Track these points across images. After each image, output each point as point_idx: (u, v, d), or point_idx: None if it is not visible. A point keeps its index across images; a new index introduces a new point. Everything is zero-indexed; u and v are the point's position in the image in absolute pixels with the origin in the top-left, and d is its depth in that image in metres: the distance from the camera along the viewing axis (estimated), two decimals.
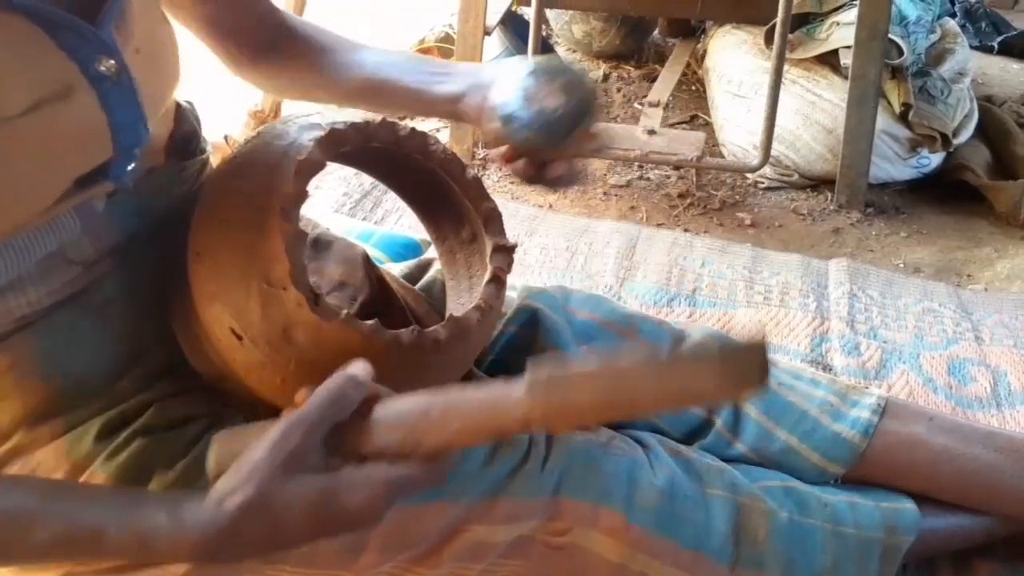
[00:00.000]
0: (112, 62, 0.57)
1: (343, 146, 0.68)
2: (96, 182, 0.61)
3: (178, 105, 0.74)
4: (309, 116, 0.71)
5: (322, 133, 0.66)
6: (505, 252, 0.72)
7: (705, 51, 2.17)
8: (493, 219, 0.73)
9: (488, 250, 0.73)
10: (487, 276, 0.71)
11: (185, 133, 0.74)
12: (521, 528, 0.71)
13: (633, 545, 0.73)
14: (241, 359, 0.65)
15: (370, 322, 0.63)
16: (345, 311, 0.63)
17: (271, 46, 0.81)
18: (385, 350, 0.63)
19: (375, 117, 0.70)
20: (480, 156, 1.90)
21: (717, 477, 0.78)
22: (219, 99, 1.83)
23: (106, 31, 0.57)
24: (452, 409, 0.54)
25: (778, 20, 1.58)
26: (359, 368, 0.56)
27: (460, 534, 0.70)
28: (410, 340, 0.64)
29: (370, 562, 0.69)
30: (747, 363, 0.48)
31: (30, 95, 0.53)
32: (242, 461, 0.52)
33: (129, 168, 0.63)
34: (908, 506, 0.85)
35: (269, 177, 0.64)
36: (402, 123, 0.71)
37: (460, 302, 0.77)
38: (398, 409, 0.55)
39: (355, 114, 0.73)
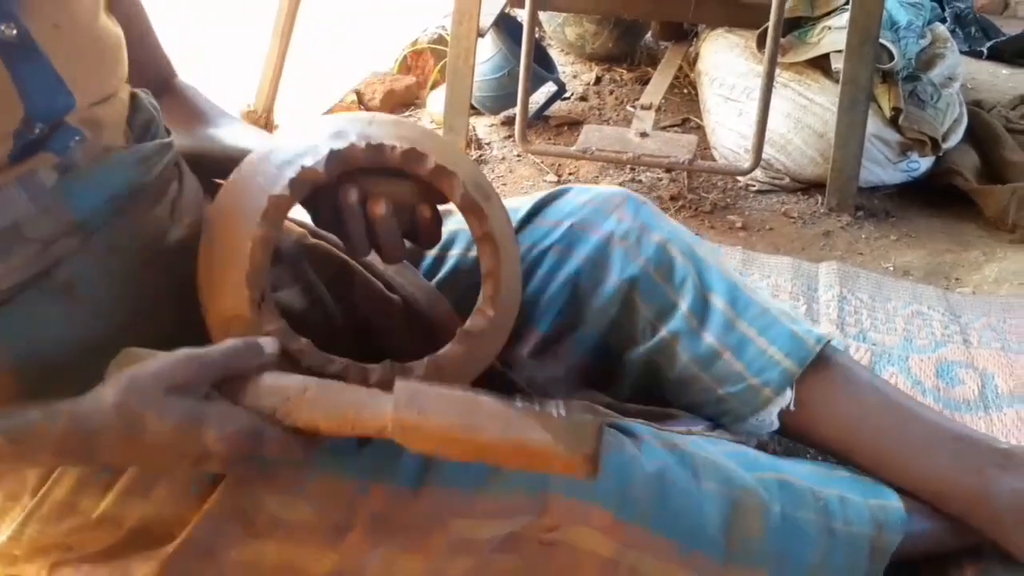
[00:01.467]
0: (14, 31, 0.63)
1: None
2: (33, 152, 0.65)
3: (134, 94, 0.78)
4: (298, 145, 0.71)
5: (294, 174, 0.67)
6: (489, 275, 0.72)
7: (697, 54, 2.18)
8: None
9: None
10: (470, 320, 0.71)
11: (143, 120, 0.77)
12: (510, 524, 0.71)
13: (623, 540, 0.73)
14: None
15: (303, 340, 0.67)
16: (282, 324, 0.67)
17: (158, 94, 0.85)
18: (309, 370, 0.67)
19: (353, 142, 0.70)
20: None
21: (712, 470, 0.79)
22: (213, 98, 1.83)
23: (8, 2, 0.63)
24: (325, 397, 0.60)
25: (770, 24, 1.60)
26: (268, 342, 0.63)
27: (446, 525, 0.70)
28: (334, 373, 0.67)
29: (357, 542, 0.69)
30: (584, 436, 0.56)
31: None
32: (134, 371, 0.59)
33: (73, 142, 0.67)
34: (895, 504, 0.86)
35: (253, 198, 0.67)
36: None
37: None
38: (283, 382, 0.61)
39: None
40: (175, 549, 0.68)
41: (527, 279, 0.92)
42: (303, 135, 0.71)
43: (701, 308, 0.90)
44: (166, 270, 0.74)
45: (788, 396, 0.89)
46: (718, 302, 0.90)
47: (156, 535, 0.69)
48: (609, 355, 0.94)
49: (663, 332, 0.90)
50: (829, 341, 0.91)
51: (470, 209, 0.69)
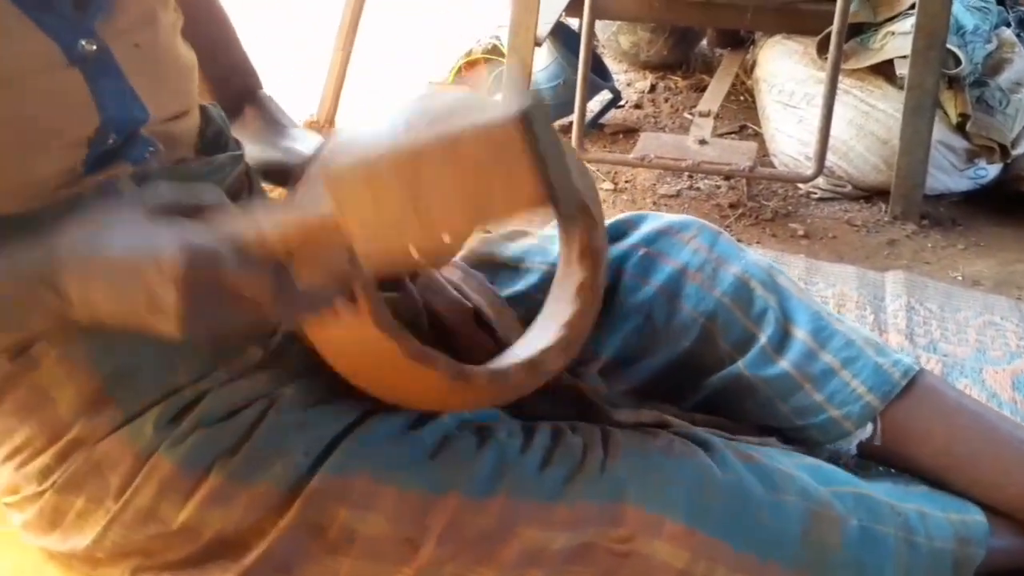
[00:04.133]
0: (94, 46, 0.66)
1: None
2: (111, 162, 0.67)
3: (204, 108, 0.81)
4: None
5: None
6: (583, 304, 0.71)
7: (755, 61, 2.16)
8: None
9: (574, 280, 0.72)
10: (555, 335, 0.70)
11: (213, 132, 0.80)
12: (583, 535, 0.71)
13: (697, 551, 0.72)
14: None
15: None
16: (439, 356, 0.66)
17: (235, 110, 0.87)
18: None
19: None
20: None
21: (788, 482, 0.77)
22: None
23: (91, 18, 0.66)
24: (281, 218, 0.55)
25: (833, 29, 1.57)
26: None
27: (518, 537, 0.70)
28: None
29: (429, 556, 0.69)
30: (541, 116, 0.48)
31: (9, 66, 0.61)
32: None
33: (148, 152, 0.69)
34: (978, 518, 0.84)
35: None
36: None
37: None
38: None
39: None
40: (252, 562, 0.69)
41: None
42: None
43: (781, 339, 0.89)
44: None
45: (868, 430, 0.88)
46: (799, 333, 0.88)
47: (234, 546, 0.70)
48: (680, 378, 0.93)
49: (740, 363, 0.89)
50: (918, 372, 0.88)
51: (580, 221, 0.68)
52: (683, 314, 0.90)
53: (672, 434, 0.79)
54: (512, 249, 0.93)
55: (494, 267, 0.92)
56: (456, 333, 0.81)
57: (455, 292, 0.83)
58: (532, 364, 0.70)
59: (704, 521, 0.73)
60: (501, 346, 0.77)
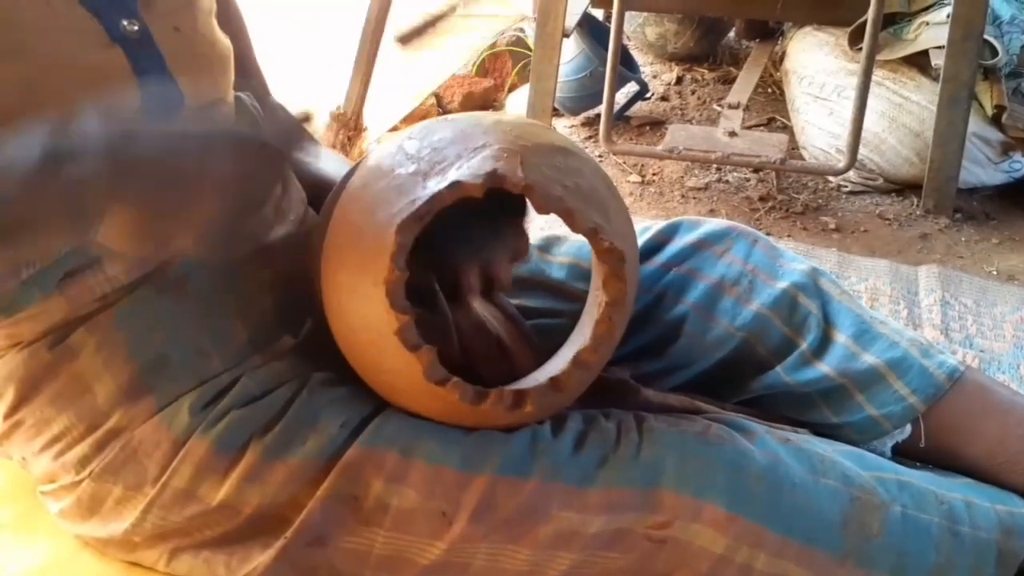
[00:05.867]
0: (135, 27, 0.67)
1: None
2: None
3: (238, 97, 0.81)
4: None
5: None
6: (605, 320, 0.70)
7: (784, 53, 2.13)
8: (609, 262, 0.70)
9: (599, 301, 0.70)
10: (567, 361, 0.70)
11: (247, 122, 0.80)
12: (619, 520, 0.70)
13: (736, 536, 0.71)
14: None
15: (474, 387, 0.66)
16: (453, 379, 0.66)
17: None
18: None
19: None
20: None
21: (829, 466, 0.76)
22: (301, 101, 1.87)
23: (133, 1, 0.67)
24: None
25: (868, 19, 1.55)
26: None
27: (551, 519, 0.69)
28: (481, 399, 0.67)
29: (462, 532, 0.69)
30: None
31: (53, 41, 0.62)
32: None
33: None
34: (1023, 510, 0.82)
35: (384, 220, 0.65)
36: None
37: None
38: None
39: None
40: (291, 535, 0.69)
41: (632, 322, 0.90)
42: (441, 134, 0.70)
43: (821, 345, 0.87)
44: (269, 264, 0.76)
45: (907, 431, 0.86)
46: (841, 338, 0.87)
47: (273, 520, 0.70)
48: (717, 384, 0.91)
49: (779, 369, 0.88)
50: (964, 372, 0.86)
51: (607, 261, 0.68)
52: (719, 329, 0.88)
53: (708, 419, 0.78)
54: (556, 271, 0.92)
55: (542, 289, 0.91)
56: (478, 358, 0.80)
57: (480, 317, 0.82)
58: (551, 384, 0.69)
59: (746, 506, 0.71)
60: (517, 376, 0.76)
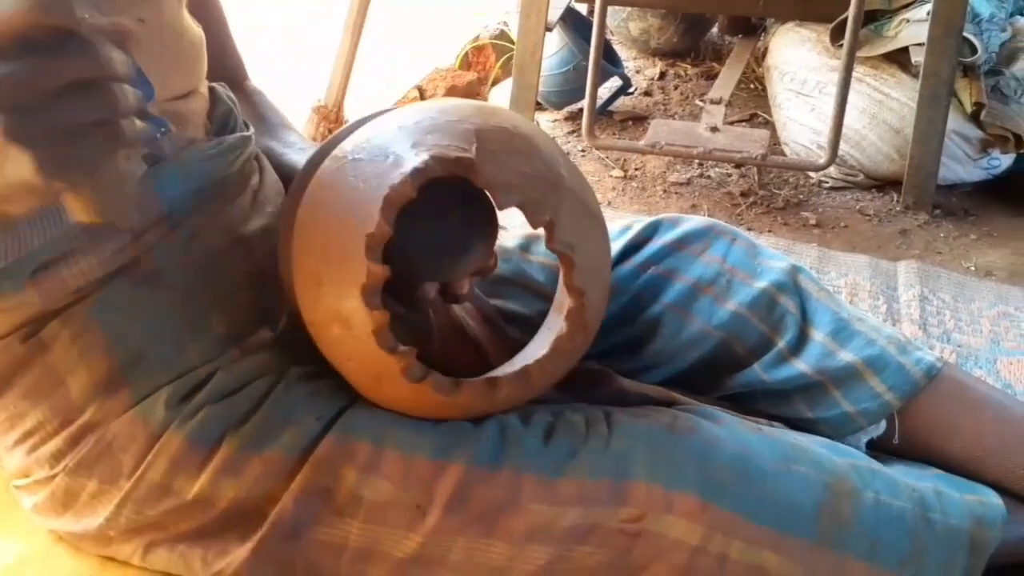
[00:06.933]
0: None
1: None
2: None
3: (212, 88, 0.79)
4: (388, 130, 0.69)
5: (418, 163, 0.63)
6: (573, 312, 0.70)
7: (766, 49, 2.14)
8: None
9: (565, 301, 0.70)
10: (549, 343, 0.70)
11: (222, 112, 0.79)
12: (592, 513, 0.70)
13: (711, 526, 0.71)
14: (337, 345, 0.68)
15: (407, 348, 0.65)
16: (431, 374, 0.66)
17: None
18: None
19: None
20: None
21: (801, 454, 0.76)
22: (282, 94, 1.85)
23: None
24: None
25: (850, 16, 1.56)
26: None
27: (524, 512, 0.69)
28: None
29: (437, 524, 0.68)
30: None
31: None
32: None
33: (160, 133, 0.67)
34: (995, 501, 0.83)
35: (358, 207, 0.64)
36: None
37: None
38: None
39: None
40: (266, 529, 0.69)
41: (608, 321, 0.90)
42: (385, 127, 0.69)
43: (798, 342, 0.88)
44: (246, 257, 0.75)
45: (881, 427, 0.87)
46: (818, 335, 0.87)
47: (249, 514, 0.69)
48: (694, 381, 0.92)
49: (756, 367, 0.88)
50: (941, 369, 0.87)
51: (562, 260, 0.68)
52: (695, 328, 0.89)
53: (678, 410, 0.78)
54: (537, 272, 0.92)
55: (523, 289, 0.91)
56: (453, 358, 0.80)
57: (457, 317, 0.81)
58: (521, 374, 0.69)
59: (717, 495, 0.71)
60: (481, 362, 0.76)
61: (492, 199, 0.66)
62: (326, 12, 2.52)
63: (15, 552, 0.75)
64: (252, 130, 0.82)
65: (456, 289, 0.74)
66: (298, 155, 0.87)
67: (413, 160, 0.63)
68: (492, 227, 0.74)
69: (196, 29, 0.76)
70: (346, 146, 0.69)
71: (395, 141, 0.66)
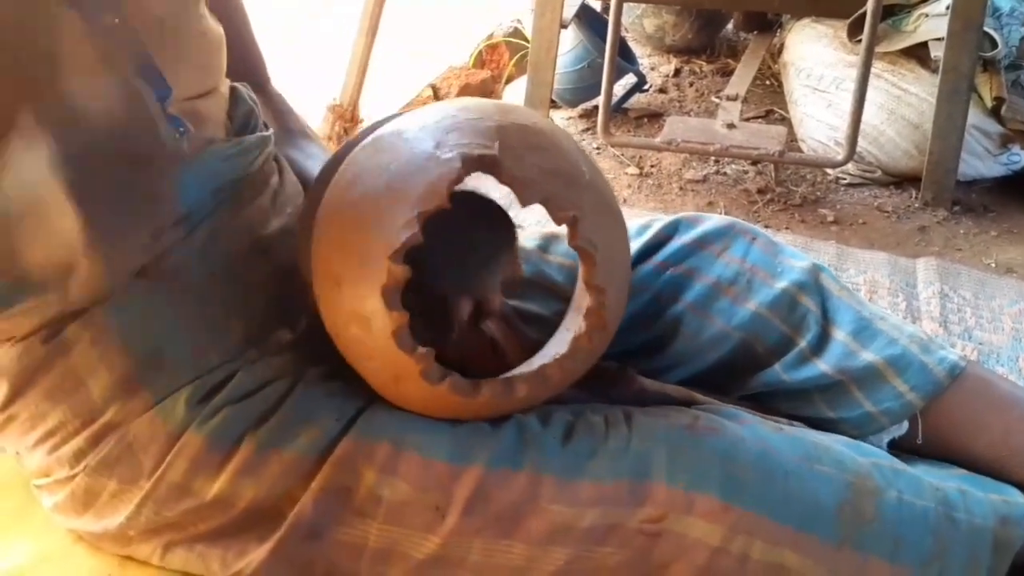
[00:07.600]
0: (115, 20, 0.65)
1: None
2: None
3: (233, 88, 0.79)
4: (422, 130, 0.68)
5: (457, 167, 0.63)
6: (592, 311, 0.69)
7: (782, 45, 2.13)
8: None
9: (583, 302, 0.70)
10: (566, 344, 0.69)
11: (243, 112, 0.79)
12: (612, 514, 0.70)
13: (732, 526, 0.70)
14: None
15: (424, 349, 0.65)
16: (450, 377, 0.66)
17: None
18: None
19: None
20: None
21: (823, 452, 0.76)
22: (297, 93, 1.86)
23: None
24: None
25: (868, 10, 1.54)
26: None
27: (544, 513, 0.69)
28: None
29: (456, 526, 0.68)
30: None
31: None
32: None
33: (179, 132, 0.68)
34: (1019, 499, 0.82)
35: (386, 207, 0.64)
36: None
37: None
38: None
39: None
40: (286, 530, 0.69)
41: (629, 321, 0.89)
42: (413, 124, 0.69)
43: (820, 342, 0.87)
44: (264, 257, 0.75)
45: (904, 427, 0.86)
46: (840, 335, 0.86)
47: (268, 514, 0.69)
48: (715, 382, 0.91)
49: (777, 367, 0.87)
50: (964, 368, 0.86)
51: (583, 257, 0.67)
52: (715, 329, 0.88)
53: (699, 410, 0.78)
54: (556, 272, 0.91)
55: (542, 290, 0.90)
56: (471, 358, 0.80)
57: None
58: (539, 374, 0.69)
59: (739, 495, 0.71)
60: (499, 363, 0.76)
61: (515, 195, 0.66)
62: (327, 12, 2.53)
63: (34, 551, 0.75)
64: (271, 130, 0.82)
65: (489, 304, 0.74)
66: (318, 166, 0.87)
67: (441, 166, 0.63)
68: (510, 237, 0.74)
69: (216, 28, 0.76)
70: (367, 147, 0.69)
71: (417, 141, 0.66)
